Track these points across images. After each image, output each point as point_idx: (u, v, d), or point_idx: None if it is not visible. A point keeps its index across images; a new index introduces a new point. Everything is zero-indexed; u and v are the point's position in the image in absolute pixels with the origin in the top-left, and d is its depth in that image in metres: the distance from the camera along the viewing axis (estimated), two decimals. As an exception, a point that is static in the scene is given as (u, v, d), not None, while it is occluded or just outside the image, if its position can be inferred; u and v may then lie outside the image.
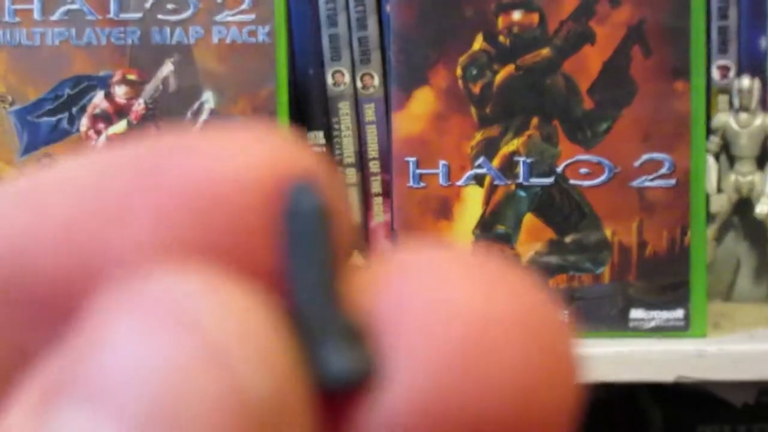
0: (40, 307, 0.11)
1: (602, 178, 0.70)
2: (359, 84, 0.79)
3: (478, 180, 0.71)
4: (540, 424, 0.10)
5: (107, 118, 0.70)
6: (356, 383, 0.10)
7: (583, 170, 0.70)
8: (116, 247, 0.10)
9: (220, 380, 0.09)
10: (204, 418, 0.09)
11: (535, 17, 0.69)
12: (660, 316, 0.70)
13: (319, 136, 0.79)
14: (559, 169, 0.70)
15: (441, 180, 0.71)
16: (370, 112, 0.80)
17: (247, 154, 0.10)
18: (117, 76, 0.70)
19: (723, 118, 0.76)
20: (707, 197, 0.74)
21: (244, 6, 0.69)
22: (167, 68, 0.70)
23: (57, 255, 0.10)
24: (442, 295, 0.10)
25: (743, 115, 0.76)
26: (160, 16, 0.69)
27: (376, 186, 0.80)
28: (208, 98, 0.70)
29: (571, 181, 0.70)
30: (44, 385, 0.10)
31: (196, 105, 0.70)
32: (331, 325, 0.10)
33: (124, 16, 0.69)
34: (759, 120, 0.76)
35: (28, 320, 0.11)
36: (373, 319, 0.10)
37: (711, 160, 0.76)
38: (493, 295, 0.10)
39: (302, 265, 0.10)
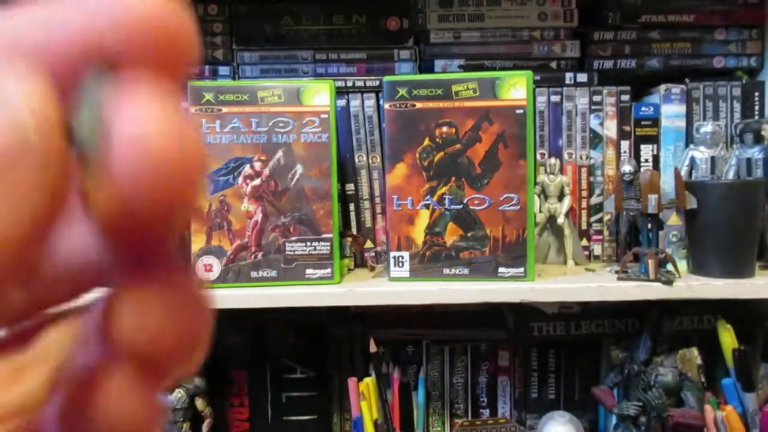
0: None
1: (485, 205, 0.92)
2: (371, 161, 1.07)
3: (426, 206, 0.92)
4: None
5: (251, 178, 0.93)
6: (93, 140, 0.13)
7: (476, 202, 0.91)
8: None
9: (12, 115, 0.12)
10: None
11: (453, 129, 0.91)
12: (513, 271, 0.92)
13: (351, 186, 1.05)
14: (465, 201, 0.91)
15: (409, 206, 0.92)
16: (375, 174, 1.06)
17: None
18: (255, 158, 0.93)
19: (542, 177, 1.05)
20: (534, 215, 0.96)
21: (316, 125, 0.93)
22: (279, 154, 0.93)
23: None
24: (138, 113, 0.13)
25: (551, 176, 1.05)
26: (276, 129, 0.93)
27: (378, 209, 1.07)
28: (299, 168, 0.94)
29: (471, 207, 0.91)
30: None
31: (293, 171, 0.93)
32: (86, 111, 0.13)
33: (258, 129, 0.93)
34: (558, 179, 1.04)
35: None
36: (108, 120, 0.13)
37: (536, 198, 1.04)
38: (163, 111, 0.13)
39: (88, 92, 0.13)
